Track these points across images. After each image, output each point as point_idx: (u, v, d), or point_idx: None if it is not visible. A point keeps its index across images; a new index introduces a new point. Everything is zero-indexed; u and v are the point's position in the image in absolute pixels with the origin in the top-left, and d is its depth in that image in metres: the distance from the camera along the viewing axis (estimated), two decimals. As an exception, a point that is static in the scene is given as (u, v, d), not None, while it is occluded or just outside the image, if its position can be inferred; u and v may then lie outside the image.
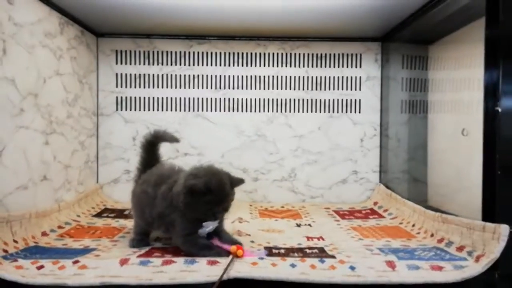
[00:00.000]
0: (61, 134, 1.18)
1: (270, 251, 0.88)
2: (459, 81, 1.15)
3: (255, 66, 1.48)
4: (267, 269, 0.76)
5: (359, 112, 1.50)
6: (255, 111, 1.49)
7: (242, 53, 1.48)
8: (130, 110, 1.47)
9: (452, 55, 1.20)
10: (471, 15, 1.06)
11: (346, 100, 1.49)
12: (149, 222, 0.91)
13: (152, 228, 0.94)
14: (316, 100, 1.49)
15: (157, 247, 0.91)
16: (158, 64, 1.47)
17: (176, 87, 1.47)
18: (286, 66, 1.49)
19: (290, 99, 1.49)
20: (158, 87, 1.47)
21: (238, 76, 1.48)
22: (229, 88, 1.48)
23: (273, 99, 1.49)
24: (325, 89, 1.49)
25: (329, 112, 1.50)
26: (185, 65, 1.47)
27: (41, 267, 0.77)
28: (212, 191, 0.81)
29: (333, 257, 0.83)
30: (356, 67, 1.49)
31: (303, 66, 1.49)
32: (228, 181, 0.85)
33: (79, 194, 1.28)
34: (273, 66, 1.49)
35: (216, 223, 0.87)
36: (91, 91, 1.41)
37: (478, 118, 0.92)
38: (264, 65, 1.49)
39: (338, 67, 1.49)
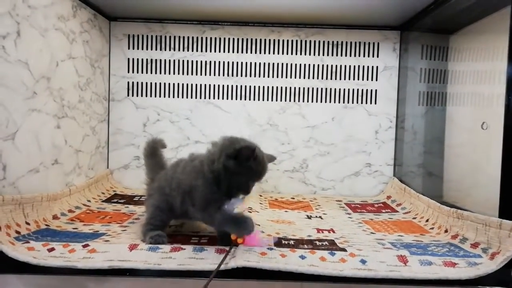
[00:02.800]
0: (73, 118, 1.18)
1: (280, 242, 0.87)
2: (480, 73, 1.11)
3: (269, 53, 1.46)
4: (276, 259, 0.75)
5: (375, 103, 1.46)
6: (267, 99, 1.47)
7: (256, 40, 1.46)
8: (141, 96, 1.46)
9: (474, 46, 1.15)
10: (494, 4, 1.02)
11: (362, 90, 1.46)
12: (170, 204, 0.86)
13: (172, 213, 0.87)
14: (330, 89, 1.46)
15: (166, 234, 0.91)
16: (170, 50, 1.45)
17: (188, 74, 1.46)
18: (300, 54, 1.46)
19: (303, 88, 1.47)
20: (169, 73, 1.46)
21: (251, 63, 1.46)
22: (241, 75, 1.46)
23: (286, 88, 1.47)
24: (340, 79, 1.46)
25: (343, 102, 1.47)
26: (197, 51, 1.46)
27: (52, 249, 0.77)
28: (257, 159, 0.77)
29: (343, 250, 0.81)
30: (373, 56, 1.45)
31: (318, 54, 1.46)
32: (265, 156, 0.82)
33: (90, 179, 1.29)
34: (287, 53, 1.46)
35: (241, 202, 0.81)
36: (103, 76, 1.41)
37: (499, 112, 0.89)
38: (278, 53, 1.46)
39: (354, 56, 1.45)
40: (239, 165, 0.77)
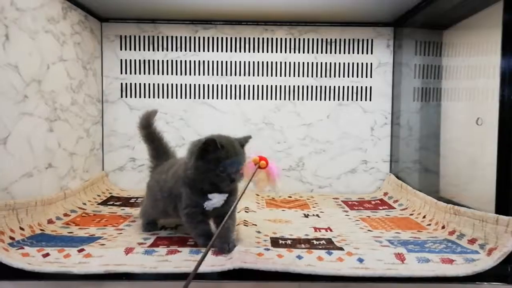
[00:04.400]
0: (66, 121, 1.17)
1: (277, 242, 0.86)
2: (474, 68, 1.11)
3: (263, 52, 1.45)
4: (273, 260, 0.75)
5: (370, 100, 1.46)
6: (262, 98, 1.46)
7: (249, 38, 1.45)
8: (135, 97, 1.45)
9: (468, 41, 1.15)
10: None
11: (357, 87, 1.46)
12: (159, 208, 0.90)
13: (163, 215, 0.94)
14: (325, 87, 1.46)
15: (163, 237, 0.91)
16: (163, 50, 1.44)
17: (181, 74, 1.45)
18: (294, 52, 1.45)
19: (298, 86, 1.46)
20: (163, 73, 1.45)
21: (244, 62, 1.45)
22: (235, 74, 1.45)
23: (280, 86, 1.46)
24: (334, 76, 1.46)
25: (338, 99, 1.46)
26: (190, 51, 1.45)
27: (47, 255, 0.77)
28: (224, 147, 0.76)
29: (341, 249, 0.81)
30: (367, 53, 1.45)
31: (312, 52, 1.45)
32: (237, 142, 0.82)
33: (85, 181, 1.28)
34: (281, 52, 1.45)
35: (222, 197, 0.81)
36: (96, 77, 1.39)
37: (494, 107, 0.89)
38: (272, 51, 1.45)
39: (349, 53, 1.45)
40: (209, 161, 0.76)
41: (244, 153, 0.82)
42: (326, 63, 1.45)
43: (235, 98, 1.46)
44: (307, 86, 1.46)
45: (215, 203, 0.81)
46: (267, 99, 1.46)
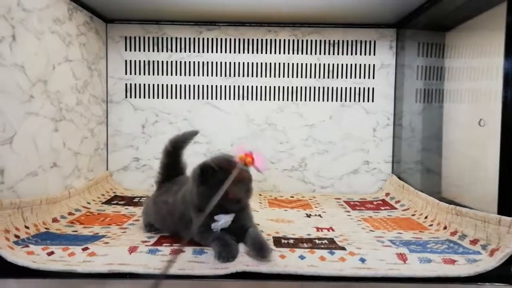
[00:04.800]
0: (71, 121, 1.18)
1: (279, 242, 0.87)
2: (477, 69, 1.11)
3: (266, 53, 1.46)
4: (276, 262, 0.75)
5: (372, 101, 1.46)
6: (265, 99, 1.47)
7: (253, 40, 1.45)
8: (139, 97, 1.46)
9: (470, 42, 1.15)
10: (490, 1, 1.02)
11: (359, 88, 1.46)
12: (171, 229, 0.90)
13: (170, 233, 0.92)
14: (328, 88, 1.46)
15: (166, 235, 0.91)
16: (167, 51, 1.45)
17: (185, 74, 1.46)
18: (297, 53, 1.46)
19: (301, 87, 1.47)
20: (167, 74, 1.46)
21: (248, 63, 1.46)
22: (238, 75, 1.46)
23: (283, 87, 1.47)
24: (337, 77, 1.46)
25: (341, 100, 1.47)
26: (194, 52, 1.45)
27: (51, 253, 0.77)
28: (223, 168, 0.76)
29: (343, 248, 0.81)
30: (369, 54, 1.45)
31: (315, 53, 1.46)
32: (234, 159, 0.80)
33: (89, 181, 1.29)
34: (284, 53, 1.46)
35: (229, 217, 0.80)
36: (100, 78, 1.40)
37: (496, 108, 0.89)
38: (275, 52, 1.46)
39: (351, 54, 1.45)
40: (210, 186, 0.76)
41: (248, 173, 0.80)
42: (329, 64, 1.46)
43: (239, 99, 1.47)
44: (310, 87, 1.47)
45: (222, 224, 0.80)
46: (270, 99, 1.47)
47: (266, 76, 1.46)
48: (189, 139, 0.99)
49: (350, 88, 1.46)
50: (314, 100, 1.47)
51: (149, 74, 1.46)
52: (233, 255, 0.75)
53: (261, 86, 1.47)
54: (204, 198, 0.76)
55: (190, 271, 0.72)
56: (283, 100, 1.47)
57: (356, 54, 1.45)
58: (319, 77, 1.46)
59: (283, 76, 1.46)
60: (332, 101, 1.47)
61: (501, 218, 0.79)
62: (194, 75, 1.46)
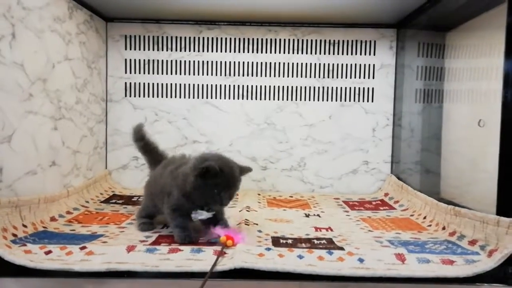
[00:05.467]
0: (70, 120, 1.18)
1: (278, 241, 0.87)
2: (477, 70, 1.11)
3: (266, 52, 1.46)
4: (274, 260, 0.75)
5: (372, 101, 1.46)
6: (265, 99, 1.47)
7: (253, 39, 1.45)
8: (139, 96, 1.46)
9: (471, 42, 1.15)
10: (491, 1, 1.02)
11: (359, 88, 1.46)
12: (155, 203, 0.96)
13: (156, 210, 0.97)
14: (327, 88, 1.46)
15: (164, 235, 0.91)
16: (167, 50, 1.45)
17: (185, 74, 1.46)
18: (297, 53, 1.46)
19: (301, 87, 1.46)
20: (167, 73, 1.46)
21: (248, 63, 1.46)
22: (238, 75, 1.46)
23: (283, 87, 1.47)
24: (337, 77, 1.46)
25: (340, 100, 1.46)
26: (194, 51, 1.45)
27: (49, 252, 0.77)
28: (224, 174, 0.82)
29: (341, 248, 0.81)
30: (369, 54, 1.45)
31: (315, 53, 1.46)
32: (238, 168, 0.86)
33: (88, 180, 1.29)
34: (284, 52, 1.46)
35: (209, 215, 0.87)
36: (100, 77, 1.40)
37: (496, 109, 0.89)
38: (275, 52, 1.46)
39: (351, 54, 1.45)
40: (207, 184, 0.82)
41: (241, 180, 0.87)
42: (328, 64, 1.46)
43: (238, 98, 1.46)
44: (310, 87, 1.46)
45: (201, 218, 0.87)
46: (269, 99, 1.47)
47: (266, 76, 1.46)
48: (141, 130, 1.08)
49: (350, 88, 1.46)
50: (314, 100, 1.47)
51: (149, 73, 1.46)
52: (191, 240, 0.84)
53: (261, 86, 1.46)
54: (195, 190, 0.83)
55: (188, 267, 0.72)
56: (282, 99, 1.47)
57: (356, 54, 1.45)
58: (319, 77, 1.46)
59: (283, 76, 1.46)
60: (331, 101, 1.46)
61: (500, 219, 0.79)
62: (194, 74, 1.46)
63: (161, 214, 0.97)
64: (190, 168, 0.84)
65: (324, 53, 1.46)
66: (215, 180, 0.81)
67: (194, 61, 1.46)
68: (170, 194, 0.88)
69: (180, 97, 1.46)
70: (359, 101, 1.46)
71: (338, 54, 1.45)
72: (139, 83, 1.46)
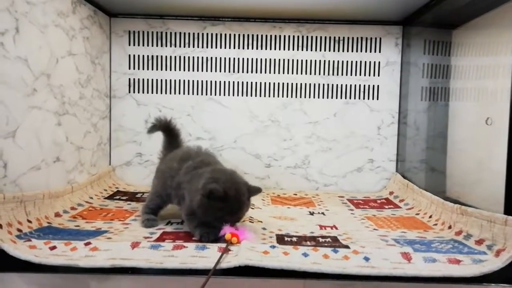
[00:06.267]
0: (74, 115, 1.18)
1: (282, 239, 0.86)
2: (484, 68, 1.10)
3: (270, 49, 1.45)
4: (279, 258, 0.75)
5: (377, 99, 1.45)
6: (269, 95, 1.46)
7: (257, 35, 1.44)
8: (143, 92, 1.45)
9: (477, 40, 1.14)
10: (497, -1, 1.01)
11: (364, 86, 1.45)
12: (168, 193, 0.96)
13: (169, 200, 0.98)
14: (332, 85, 1.45)
15: (169, 231, 0.91)
16: (171, 46, 1.44)
17: (189, 70, 1.45)
18: (302, 49, 1.45)
19: (305, 84, 1.46)
20: (170, 69, 1.45)
21: (252, 59, 1.45)
22: (242, 71, 1.45)
23: (287, 84, 1.46)
24: (342, 74, 1.45)
25: (345, 98, 1.46)
26: (198, 47, 1.45)
27: (54, 247, 0.77)
28: (229, 200, 0.82)
29: (347, 247, 0.81)
30: (375, 51, 1.44)
31: (320, 50, 1.45)
32: (247, 192, 0.86)
33: (92, 176, 1.28)
34: (288, 49, 1.45)
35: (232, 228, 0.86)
36: (104, 72, 1.40)
37: (503, 107, 0.88)
38: (280, 48, 1.45)
39: (356, 51, 1.44)
40: (212, 206, 0.82)
41: (249, 203, 0.88)
42: (333, 61, 1.45)
43: (242, 95, 1.46)
44: (314, 84, 1.45)
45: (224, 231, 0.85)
46: (274, 96, 1.46)
47: (270, 73, 1.45)
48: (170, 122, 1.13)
49: (355, 85, 1.45)
50: (319, 97, 1.46)
51: (152, 69, 1.45)
52: (215, 238, 0.82)
53: (265, 83, 1.46)
54: (203, 213, 0.84)
55: (193, 265, 0.72)
56: (287, 96, 1.46)
57: (361, 51, 1.44)
58: (324, 74, 1.45)
59: (287, 73, 1.45)
60: (336, 98, 1.46)
61: (508, 218, 0.78)
62: (198, 70, 1.45)
63: (171, 203, 0.99)
64: (200, 185, 0.84)
65: (329, 50, 1.45)
66: (220, 204, 0.81)
67: (198, 57, 1.45)
68: (183, 197, 0.90)
69: (184, 94, 1.46)
70: (364, 98, 1.45)
71: (343, 51, 1.44)
72: (143, 79, 1.45)
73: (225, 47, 1.45)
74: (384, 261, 0.74)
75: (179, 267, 0.72)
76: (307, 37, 1.44)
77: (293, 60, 1.45)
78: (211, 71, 1.45)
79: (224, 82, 1.46)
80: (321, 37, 1.44)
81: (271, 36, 1.45)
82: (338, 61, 1.45)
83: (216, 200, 0.81)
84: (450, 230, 0.94)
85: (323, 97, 1.46)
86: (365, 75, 1.45)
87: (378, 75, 1.45)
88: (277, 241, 0.84)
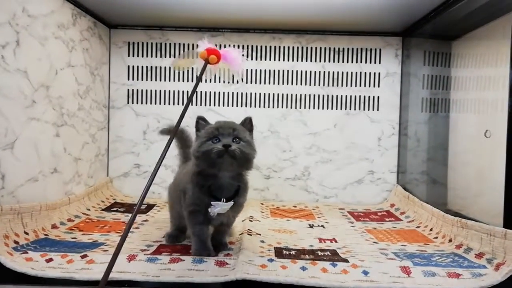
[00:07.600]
0: (72, 127, 1.18)
1: (281, 252, 0.85)
2: (483, 79, 1.10)
3: (270, 60, 1.45)
4: (277, 272, 0.74)
5: (377, 110, 1.45)
6: (268, 106, 1.46)
7: (257, 46, 1.45)
8: (141, 103, 1.46)
9: (476, 52, 1.14)
10: (496, 10, 1.01)
11: (364, 97, 1.45)
12: (176, 209, 0.92)
13: (179, 219, 0.94)
14: (332, 96, 1.45)
15: (166, 244, 0.90)
16: (170, 57, 1.45)
17: (188, 81, 1.46)
18: (301, 60, 1.45)
19: (305, 95, 1.46)
20: (170, 80, 1.45)
21: (251, 70, 1.45)
22: (242, 82, 1.45)
23: (287, 95, 1.46)
24: (342, 85, 1.45)
25: (345, 109, 1.45)
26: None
27: (50, 260, 0.77)
28: (217, 122, 0.86)
29: (345, 260, 0.80)
30: (375, 62, 1.45)
31: (320, 61, 1.45)
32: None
33: (89, 187, 1.28)
34: (288, 60, 1.45)
35: (226, 206, 0.81)
36: (103, 83, 1.40)
37: (502, 119, 0.88)
38: (279, 59, 1.45)
39: (356, 62, 1.45)
40: (201, 134, 0.85)
41: (244, 129, 0.90)
42: (333, 72, 1.45)
43: (242, 106, 1.46)
44: (314, 95, 1.46)
45: (218, 210, 0.81)
46: (273, 107, 1.46)
47: (269, 83, 1.46)
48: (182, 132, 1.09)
49: (355, 96, 1.45)
50: (318, 108, 1.46)
51: (151, 80, 1.45)
52: (208, 253, 0.82)
53: (264, 93, 1.46)
54: (198, 149, 0.84)
55: (190, 278, 0.71)
56: (286, 107, 1.46)
57: (361, 62, 1.44)
58: (324, 85, 1.45)
59: (287, 84, 1.46)
60: (336, 109, 1.45)
61: (507, 232, 0.78)
62: (197, 81, 1.45)
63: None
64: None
65: (329, 61, 1.45)
66: (207, 126, 0.87)
67: (197, 68, 1.45)
68: (185, 193, 0.85)
69: (183, 104, 1.46)
70: (364, 109, 1.45)
71: (343, 62, 1.45)
72: (142, 90, 1.46)
73: (224, 58, 1.45)
74: (383, 275, 0.73)
75: (176, 280, 0.71)
76: (307, 48, 1.45)
77: (292, 71, 1.45)
78: (211, 82, 1.45)
79: (223, 92, 1.46)
80: (321, 48, 1.45)
81: (270, 47, 1.45)
82: (338, 72, 1.45)
83: (204, 125, 0.88)
84: (450, 243, 0.93)
85: (323, 108, 1.46)
86: (365, 86, 1.45)
87: (378, 86, 1.45)
88: (276, 255, 0.83)
